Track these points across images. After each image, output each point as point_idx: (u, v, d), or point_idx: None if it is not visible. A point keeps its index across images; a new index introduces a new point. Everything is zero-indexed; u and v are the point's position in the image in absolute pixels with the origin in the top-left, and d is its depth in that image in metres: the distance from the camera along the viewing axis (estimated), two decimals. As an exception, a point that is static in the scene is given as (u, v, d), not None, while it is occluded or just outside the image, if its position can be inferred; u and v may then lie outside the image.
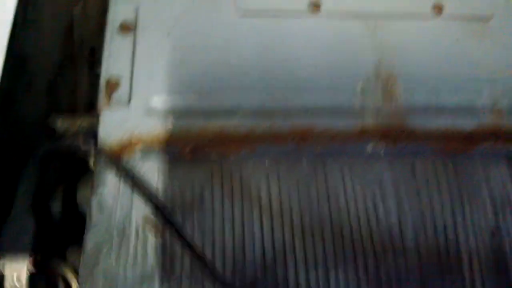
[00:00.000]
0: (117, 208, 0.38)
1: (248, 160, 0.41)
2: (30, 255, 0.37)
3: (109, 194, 0.38)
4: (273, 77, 0.44)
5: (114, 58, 0.43)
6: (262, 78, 0.44)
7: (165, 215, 0.36)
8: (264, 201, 0.40)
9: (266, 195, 0.40)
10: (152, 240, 0.38)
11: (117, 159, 0.38)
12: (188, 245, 0.36)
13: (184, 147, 0.40)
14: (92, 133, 0.41)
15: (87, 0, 0.61)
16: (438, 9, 0.49)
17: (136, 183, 0.37)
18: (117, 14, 0.45)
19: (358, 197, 0.40)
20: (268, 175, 0.40)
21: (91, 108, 0.75)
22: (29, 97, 0.48)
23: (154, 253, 0.37)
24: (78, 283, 0.37)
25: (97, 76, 0.74)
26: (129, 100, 0.41)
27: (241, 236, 0.38)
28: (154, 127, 0.40)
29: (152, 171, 0.39)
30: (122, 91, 0.41)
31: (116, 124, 0.40)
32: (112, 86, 0.42)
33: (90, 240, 0.37)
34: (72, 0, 0.61)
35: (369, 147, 0.42)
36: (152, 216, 0.38)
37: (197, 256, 0.35)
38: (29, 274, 0.36)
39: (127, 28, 0.44)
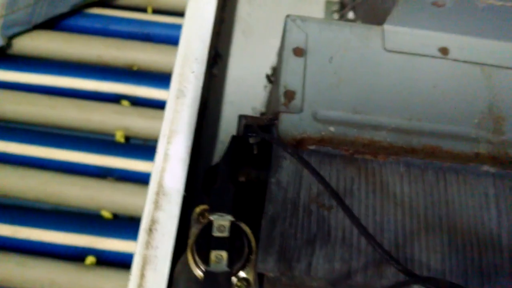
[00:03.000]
0: (290, 187, 0.51)
1: (387, 165, 0.53)
2: (230, 213, 0.50)
3: (285, 175, 0.51)
4: (410, 104, 0.57)
5: (290, 75, 0.56)
6: (401, 103, 0.57)
7: (337, 194, 0.48)
8: (398, 196, 0.52)
9: (400, 192, 0.52)
10: (315, 213, 0.50)
11: (294, 149, 0.51)
12: (357, 221, 0.47)
13: (346, 149, 0.53)
14: (271, 130, 0.54)
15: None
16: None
17: (311, 167, 0.49)
18: (292, 40, 0.59)
19: (469, 204, 0.52)
20: (402, 178, 0.53)
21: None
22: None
23: (316, 223, 0.50)
24: (258, 240, 0.49)
25: (212, 75, 0.91)
26: (301, 109, 0.55)
27: (380, 221, 0.51)
28: (320, 132, 0.54)
29: (316, 163, 0.52)
30: (296, 101, 0.55)
31: (292, 125, 0.54)
32: (289, 96, 0.55)
33: (270, 210, 0.50)
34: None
35: (483, 168, 0.54)
36: (316, 195, 0.50)
37: (365, 231, 0.47)
38: (230, 225, 0.50)
39: (300, 52, 0.58)
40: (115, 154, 0.95)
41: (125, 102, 1.00)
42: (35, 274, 0.84)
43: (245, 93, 0.92)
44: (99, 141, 0.96)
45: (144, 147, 0.97)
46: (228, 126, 0.90)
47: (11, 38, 1.02)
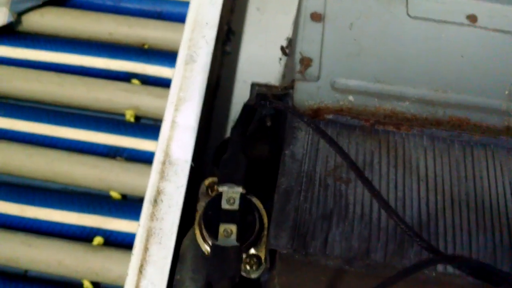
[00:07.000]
0: (306, 159, 0.48)
1: (410, 137, 0.50)
2: (241, 184, 0.47)
3: (300, 147, 0.49)
4: (435, 74, 0.54)
5: (307, 41, 0.54)
6: (426, 72, 0.54)
7: (356, 166, 0.45)
8: (421, 171, 0.49)
9: (423, 166, 0.49)
10: (331, 187, 0.47)
11: (310, 118, 0.48)
12: (378, 194, 0.44)
13: (366, 120, 0.50)
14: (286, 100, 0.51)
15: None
16: None
17: (328, 136, 0.46)
18: (309, 4, 0.56)
19: (498, 181, 0.49)
20: (426, 151, 0.50)
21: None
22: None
23: (332, 198, 0.47)
24: (271, 215, 0.47)
25: (225, 53, 0.89)
26: (318, 77, 0.52)
27: (402, 197, 0.48)
28: (338, 101, 0.51)
29: (333, 135, 0.49)
30: (313, 69, 0.52)
31: (308, 94, 0.51)
32: (306, 63, 0.52)
33: (283, 183, 0.47)
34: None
35: (513, 142, 0.50)
36: (333, 168, 0.48)
37: (385, 205, 0.43)
38: (241, 198, 0.47)
39: (318, 17, 0.55)
40: (124, 134, 0.92)
41: (135, 81, 0.98)
42: (42, 254, 0.82)
43: (259, 71, 0.87)
44: (109, 120, 0.94)
45: (154, 127, 0.94)
46: (241, 106, 0.86)
47: (20, 14, 1.00)
